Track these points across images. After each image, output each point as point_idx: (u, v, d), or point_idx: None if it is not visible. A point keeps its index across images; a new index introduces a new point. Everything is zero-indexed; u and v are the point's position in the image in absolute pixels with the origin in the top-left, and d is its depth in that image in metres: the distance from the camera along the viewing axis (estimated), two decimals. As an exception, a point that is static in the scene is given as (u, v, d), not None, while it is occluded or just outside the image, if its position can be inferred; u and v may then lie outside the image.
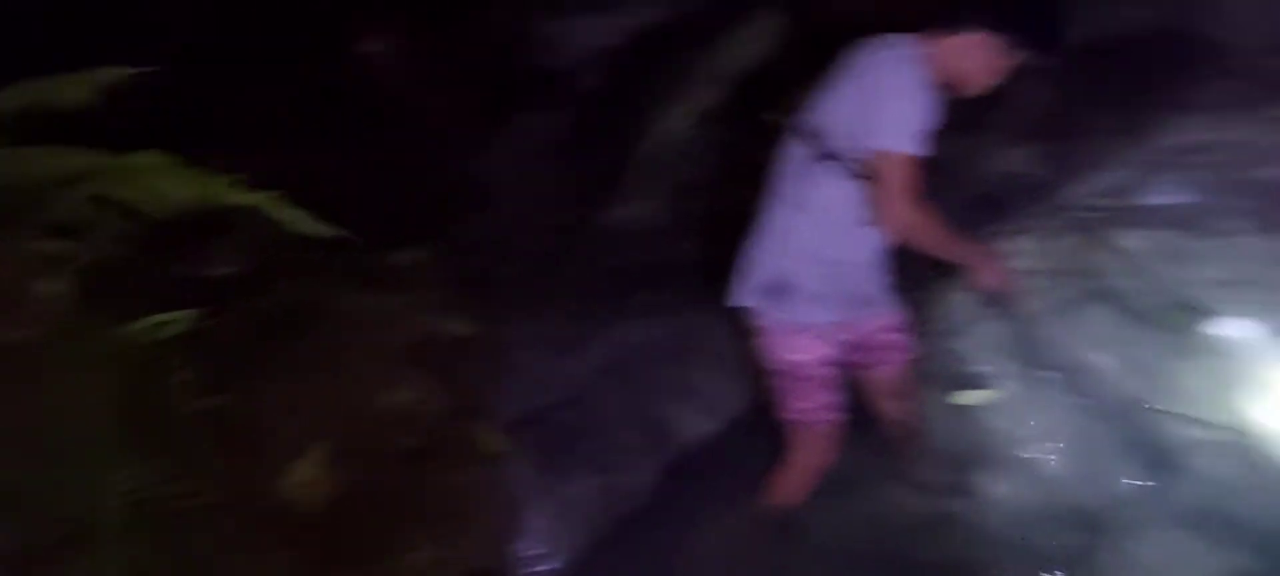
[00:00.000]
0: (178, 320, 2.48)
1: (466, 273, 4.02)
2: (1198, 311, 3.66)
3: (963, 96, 2.71)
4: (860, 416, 3.27)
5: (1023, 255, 3.97)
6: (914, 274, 2.99)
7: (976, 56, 2.59)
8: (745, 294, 2.86)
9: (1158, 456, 3.17)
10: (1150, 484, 3.10)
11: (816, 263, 2.72)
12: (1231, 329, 3.56)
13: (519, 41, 5.01)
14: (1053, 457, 3.24)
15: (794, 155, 2.74)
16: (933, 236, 2.58)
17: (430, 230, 4.24)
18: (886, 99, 2.50)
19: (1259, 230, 3.97)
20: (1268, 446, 3.11)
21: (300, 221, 2.57)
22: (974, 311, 3.80)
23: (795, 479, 3.03)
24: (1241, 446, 3.12)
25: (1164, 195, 4.27)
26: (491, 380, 3.49)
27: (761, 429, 3.12)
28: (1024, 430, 3.35)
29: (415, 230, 4.11)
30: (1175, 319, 3.65)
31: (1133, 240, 4.07)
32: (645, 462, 3.32)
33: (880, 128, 2.49)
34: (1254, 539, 2.87)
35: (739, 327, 2.97)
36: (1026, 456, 3.26)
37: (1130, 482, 3.13)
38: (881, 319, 2.97)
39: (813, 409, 2.88)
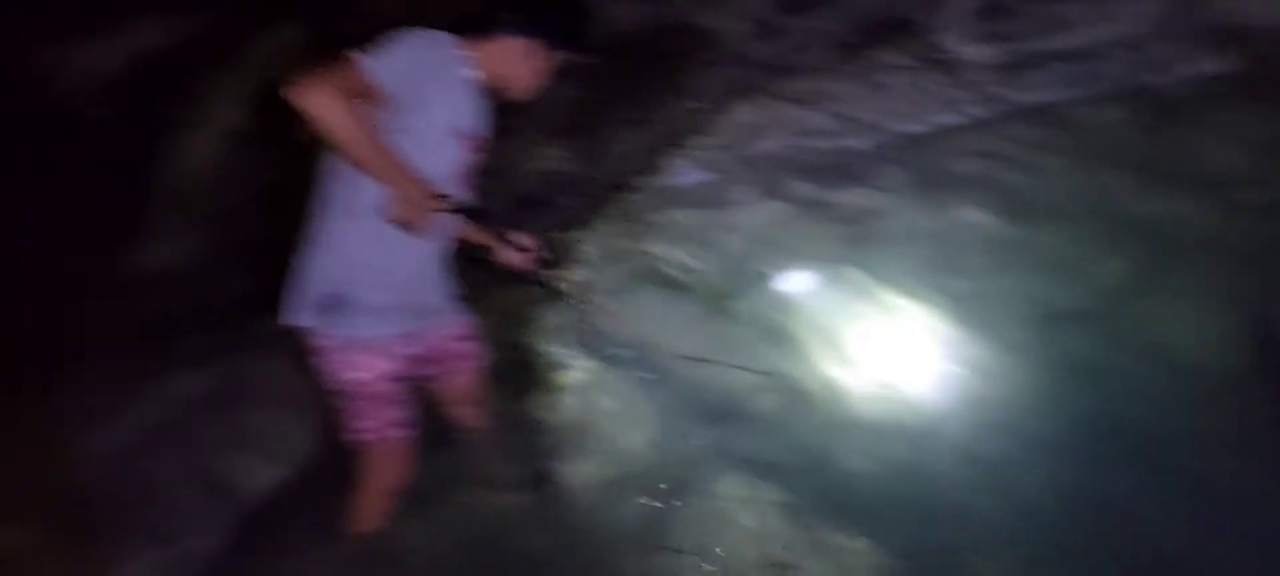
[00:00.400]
0: None
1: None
2: (733, 276, 4.07)
3: (510, 100, 2.74)
4: (436, 425, 3.25)
5: (576, 247, 4.18)
6: (477, 276, 3.00)
7: (515, 61, 2.63)
8: (299, 312, 2.68)
9: (720, 410, 3.47)
10: (716, 436, 3.38)
11: (373, 273, 2.61)
12: (762, 289, 4.00)
13: (5, 78, 4.38)
14: (627, 430, 3.42)
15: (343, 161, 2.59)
16: (346, 132, 2.30)
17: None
18: (392, 42, 2.40)
19: (764, 197, 4.50)
20: (811, 387, 3.52)
21: None
22: (540, 304, 3.93)
23: (371, 502, 2.92)
24: (788, 389, 3.52)
25: (685, 175, 4.70)
26: (14, 464, 3.03)
27: (336, 462, 2.99)
28: (598, 409, 3.51)
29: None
30: (715, 285, 4.03)
31: (666, 219, 4.43)
32: (211, 524, 3.04)
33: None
34: (805, 471, 3.23)
35: (298, 355, 2.82)
36: (603, 434, 3.41)
37: (699, 439, 3.38)
38: (448, 328, 2.94)
39: (378, 427, 2.77)
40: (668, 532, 3.05)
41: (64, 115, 4.48)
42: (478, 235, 2.86)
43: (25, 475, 3.01)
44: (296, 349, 2.84)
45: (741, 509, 3.09)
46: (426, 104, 2.49)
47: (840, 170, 4.71)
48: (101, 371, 3.36)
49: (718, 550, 2.95)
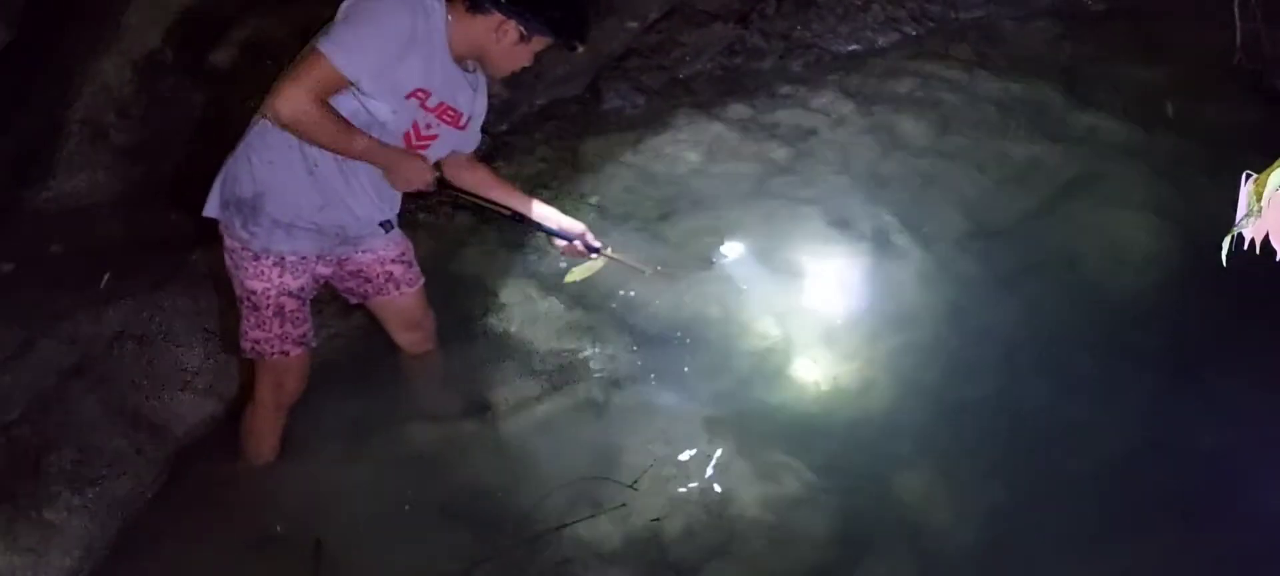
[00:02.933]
0: None
1: None
2: (668, 199, 4.03)
3: (493, 76, 2.70)
4: (374, 356, 3.24)
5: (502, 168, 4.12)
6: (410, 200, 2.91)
7: (490, 36, 2.52)
8: (211, 203, 2.66)
9: (654, 334, 3.44)
10: (651, 359, 3.34)
11: (287, 189, 2.56)
12: (697, 212, 3.96)
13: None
14: (565, 354, 3.36)
15: None
16: (326, 130, 2.38)
17: None
18: (362, 15, 2.37)
19: (701, 119, 4.46)
20: (743, 311, 3.50)
21: None
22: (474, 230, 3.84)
23: (262, 417, 2.94)
24: (722, 311, 3.50)
25: (620, 98, 4.63)
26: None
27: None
28: (536, 335, 3.43)
29: None
30: (650, 209, 3.97)
31: (601, 143, 4.37)
32: (139, 464, 2.92)
33: (333, 33, 2.35)
34: (734, 392, 3.24)
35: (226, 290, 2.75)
36: (543, 359, 3.35)
37: (635, 361, 3.34)
38: (377, 252, 2.89)
39: (268, 339, 2.75)
40: (603, 458, 3.02)
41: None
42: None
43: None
44: (223, 283, 2.77)
45: (675, 428, 3.07)
46: (397, 70, 2.44)
47: (778, 90, 4.68)
48: (11, 312, 3.23)
49: (650, 465, 2.94)
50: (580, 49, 2.69)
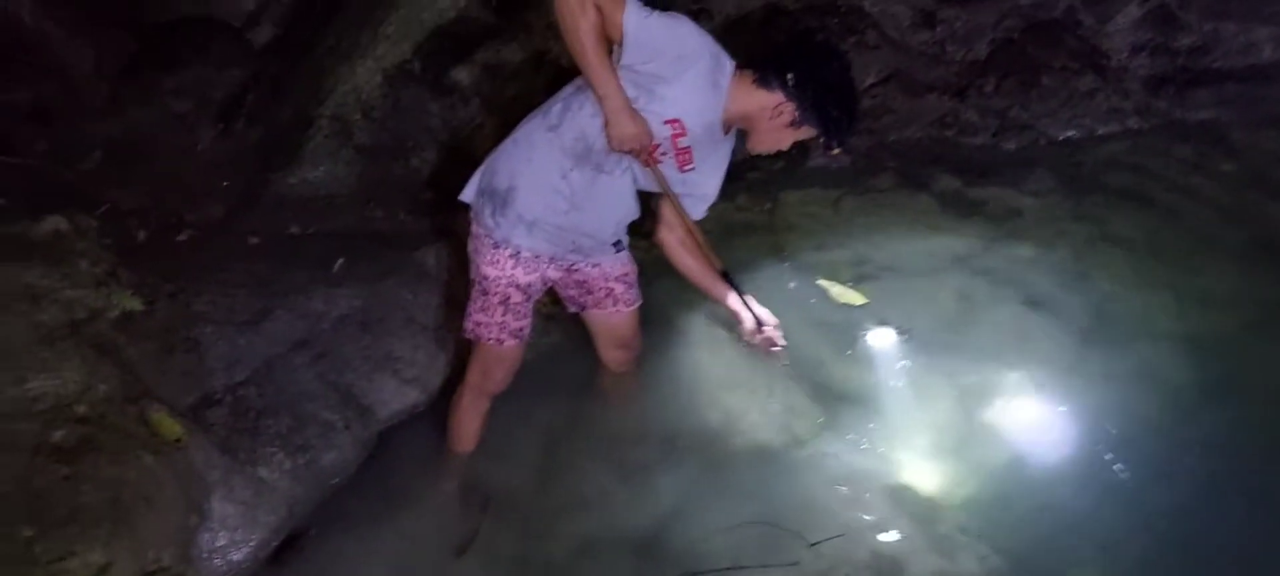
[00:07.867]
0: None
1: (130, 243, 3.65)
2: (863, 264, 4.02)
3: (750, 149, 2.79)
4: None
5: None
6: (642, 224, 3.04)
7: (766, 111, 2.64)
8: (469, 189, 2.85)
9: (839, 393, 3.44)
10: (830, 413, 3.35)
11: (541, 188, 2.71)
12: (896, 282, 3.92)
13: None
14: (740, 403, 3.40)
15: (579, 81, 2.67)
16: (585, 31, 2.42)
17: (82, 196, 3.81)
18: (671, 16, 2.50)
19: (906, 186, 4.42)
20: (934, 387, 3.47)
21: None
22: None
23: (466, 400, 3.10)
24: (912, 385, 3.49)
25: (825, 157, 4.66)
26: (164, 360, 3.18)
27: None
28: (722, 376, 3.47)
29: (64, 196, 3.68)
30: (846, 273, 3.97)
31: (801, 200, 4.40)
32: (345, 439, 3.12)
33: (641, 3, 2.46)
34: (926, 456, 3.22)
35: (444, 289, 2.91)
36: (726, 400, 3.39)
37: (815, 415, 3.35)
38: (603, 266, 3.03)
39: (489, 325, 2.91)
40: (776, 510, 3.02)
41: (232, 36, 4.68)
42: (724, 298, 3.11)
43: (178, 372, 3.16)
44: (443, 283, 2.93)
45: (852, 491, 3.07)
46: (656, 85, 2.55)
47: (987, 167, 4.61)
48: (250, 283, 3.49)
49: (837, 535, 2.92)
50: (837, 150, 2.74)
